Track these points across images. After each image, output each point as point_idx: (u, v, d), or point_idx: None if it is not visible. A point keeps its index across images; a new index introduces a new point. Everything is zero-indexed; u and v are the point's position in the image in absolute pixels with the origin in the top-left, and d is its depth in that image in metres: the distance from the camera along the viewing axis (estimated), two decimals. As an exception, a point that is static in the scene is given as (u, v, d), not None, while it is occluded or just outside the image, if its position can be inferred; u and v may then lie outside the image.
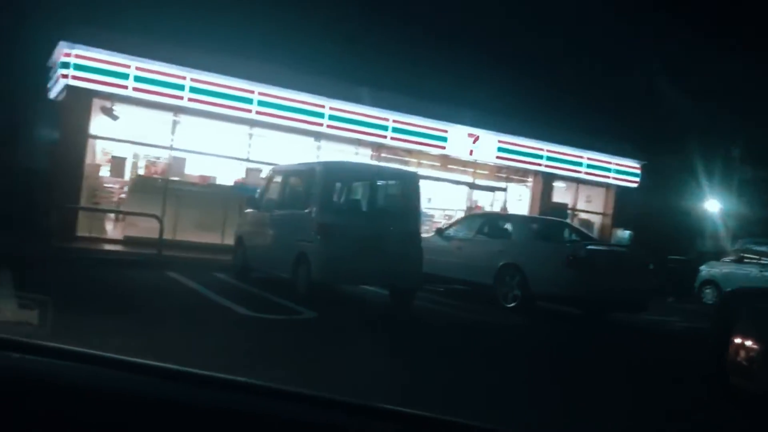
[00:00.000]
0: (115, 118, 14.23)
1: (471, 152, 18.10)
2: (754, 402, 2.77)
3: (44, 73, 15.54)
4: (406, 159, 17.68)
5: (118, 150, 15.18)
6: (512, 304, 10.45)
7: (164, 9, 13.99)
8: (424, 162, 18.06)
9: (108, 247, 13.63)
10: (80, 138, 13.87)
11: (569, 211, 20.80)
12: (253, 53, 15.05)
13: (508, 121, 18.25)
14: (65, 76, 13.25)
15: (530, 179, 20.06)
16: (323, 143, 16.52)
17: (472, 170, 19.04)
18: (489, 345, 7.70)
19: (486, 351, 7.16)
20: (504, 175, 19.64)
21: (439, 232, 12.58)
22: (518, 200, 20.62)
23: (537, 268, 10.24)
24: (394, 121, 16.80)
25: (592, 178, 20.44)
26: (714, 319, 5.80)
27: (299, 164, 10.46)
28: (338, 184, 9.59)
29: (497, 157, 18.49)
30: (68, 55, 13.19)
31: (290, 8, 17.36)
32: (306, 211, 9.15)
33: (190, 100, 14.35)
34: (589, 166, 20.10)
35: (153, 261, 12.07)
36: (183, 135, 15.20)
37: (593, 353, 7.90)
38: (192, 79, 14.31)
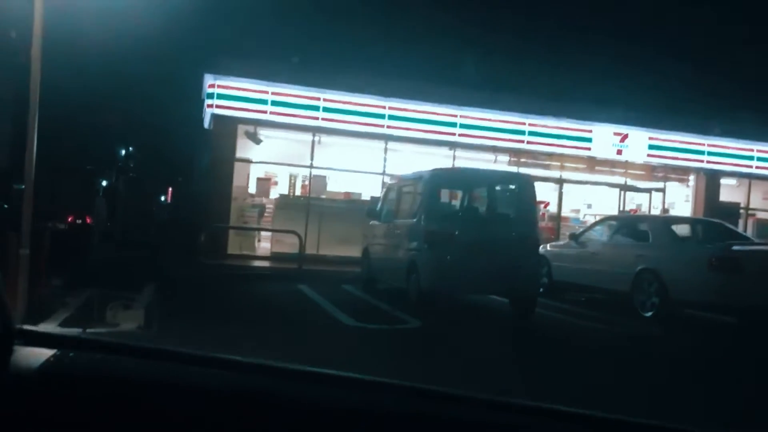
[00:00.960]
0: (258, 141, 15.19)
1: (619, 152, 16.94)
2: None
3: (200, 105, 16.96)
4: (547, 163, 16.96)
5: (263, 171, 16.10)
6: (650, 313, 9.55)
7: (295, 35, 14.64)
8: (569, 165, 17.18)
9: (254, 263, 14.46)
10: (228, 162, 14.93)
11: (742, 212, 18.71)
12: (381, 69, 15.28)
13: (659, 117, 16.87)
14: (210, 106, 14.38)
15: (692, 178, 18.32)
16: (458, 152, 16.37)
17: (623, 171, 17.77)
18: (611, 358, 7.06)
19: (604, 365, 6.56)
20: (661, 175, 18.09)
21: (574, 237, 11.87)
22: (683, 201, 18.95)
23: (676, 273, 9.27)
24: (530, 124, 16.22)
25: (766, 173, 18.24)
26: None
27: (411, 174, 10.40)
28: (445, 191, 9.39)
29: (649, 156, 17.14)
30: (212, 86, 14.31)
31: (414, 21, 17.43)
32: (415, 219, 9.06)
33: (324, 119, 14.91)
34: (761, 159, 17.96)
35: (290, 275, 12.62)
36: (322, 154, 15.79)
37: (735, 366, 6.93)
38: (325, 99, 14.87)
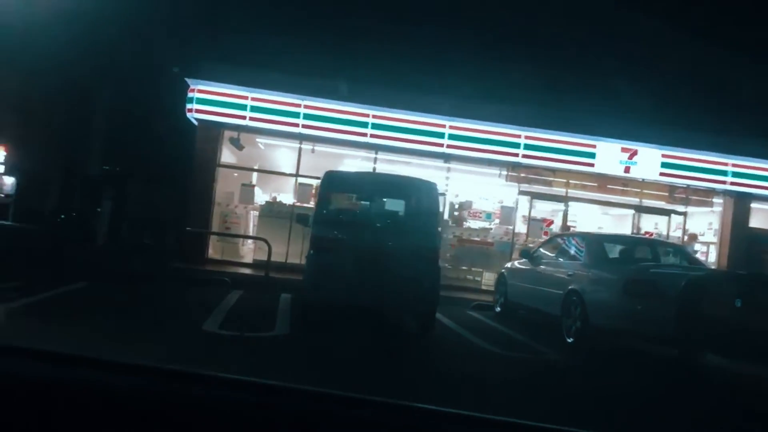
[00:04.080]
0: (240, 147, 15.14)
1: (627, 169, 15.71)
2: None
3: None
4: (550, 179, 15.95)
5: (248, 178, 16.03)
6: (571, 339, 8.62)
7: (277, 40, 14.55)
8: (575, 182, 16.10)
9: (226, 268, 14.30)
10: (210, 167, 14.97)
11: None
12: (366, 77, 14.89)
13: (675, 132, 15.48)
14: (190, 110, 14.47)
15: (718, 201, 16.72)
16: (453, 165, 15.73)
17: (638, 191, 16.44)
18: (469, 383, 6.32)
19: (453, 390, 5.87)
20: (682, 197, 16.61)
21: (526, 254, 11.00)
22: (708, 226, 17.37)
23: (595, 296, 8.34)
24: (526, 137, 15.34)
25: (805, 198, 16.40)
26: None
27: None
28: (339, 195, 8.85)
29: (661, 174, 15.77)
30: (192, 90, 14.41)
31: (402, 27, 16.97)
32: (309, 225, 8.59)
33: (305, 126, 14.70)
34: (796, 182, 16.16)
35: (252, 281, 12.42)
36: (309, 162, 15.55)
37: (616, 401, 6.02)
38: (305, 106, 14.66)
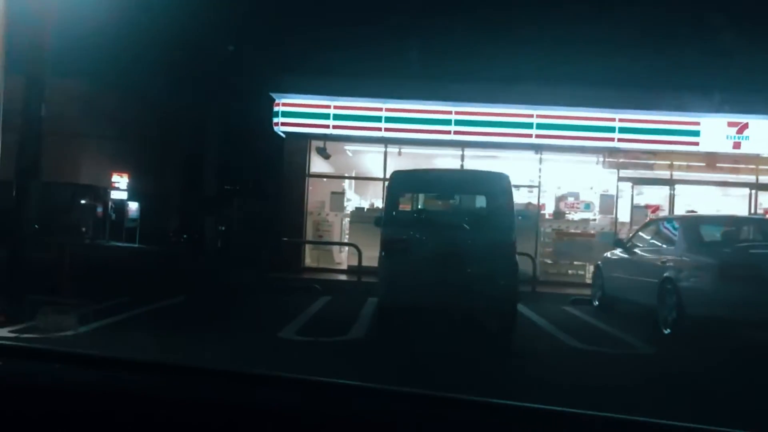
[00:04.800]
0: (327, 156, 15.38)
1: (737, 145, 14.46)
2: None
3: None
4: (652, 162, 14.98)
5: (338, 186, 16.22)
6: (668, 330, 7.99)
7: (353, 47, 14.65)
8: (679, 163, 15.02)
9: (321, 276, 14.50)
10: (300, 177, 15.29)
11: None
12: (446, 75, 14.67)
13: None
14: (276, 124, 14.85)
15: None
16: (545, 155, 15.16)
17: (753, 167, 15.07)
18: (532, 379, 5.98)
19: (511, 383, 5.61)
20: (807, 169, 15.03)
21: (620, 243, 10.35)
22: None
23: (691, 283, 7.67)
24: (621, 120, 14.49)
25: None
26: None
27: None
28: (408, 195, 8.66)
29: (779, 148, 14.40)
30: (277, 104, 14.79)
31: (479, 20, 16.53)
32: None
33: (386, 129, 14.69)
34: None
35: (339, 287, 12.60)
36: (395, 165, 15.50)
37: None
38: (386, 109, 14.65)
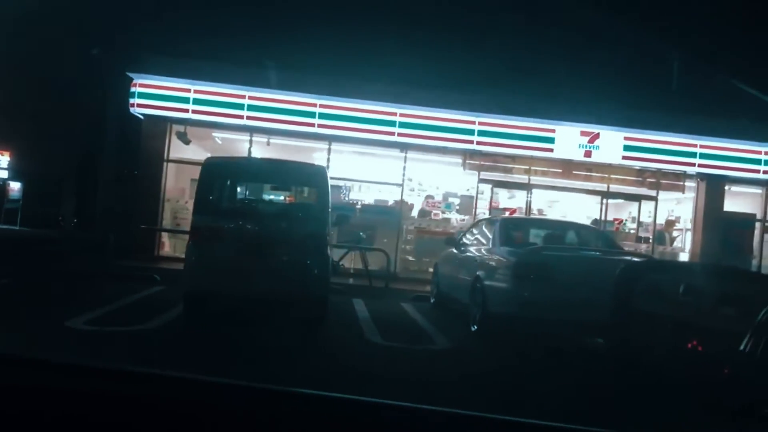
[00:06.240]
0: (187, 141, 14.89)
1: (587, 153, 15.09)
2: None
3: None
4: (510, 166, 15.40)
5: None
6: (475, 327, 8.16)
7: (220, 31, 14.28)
8: (537, 168, 15.50)
9: (175, 265, 13.99)
10: (158, 162, 14.75)
11: (758, 223, 16.12)
12: (316, 67, 14.53)
13: (638, 114, 14.82)
14: (133, 105, 14.26)
15: (692, 185, 15.98)
16: (411, 154, 15.28)
17: (605, 176, 15.75)
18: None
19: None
20: (652, 180, 15.87)
21: (451, 241, 10.54)
22: (684, 211, 16.67)
23: (492, 282, 7.86)
24: (480, 123, 14.81)
25: (783, 179, 15.59)
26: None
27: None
28: (221, 183, 8.47)
29: (624, 158, 15.12)
30: (134, 85, 14.20)
31: (351, 13, 16.56)
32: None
33: (249, 118, 14.40)
34: (770, 162, 15.37)
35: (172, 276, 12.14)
36: (263, 155, 15.25)
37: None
38: (249, 97, 14.36)
